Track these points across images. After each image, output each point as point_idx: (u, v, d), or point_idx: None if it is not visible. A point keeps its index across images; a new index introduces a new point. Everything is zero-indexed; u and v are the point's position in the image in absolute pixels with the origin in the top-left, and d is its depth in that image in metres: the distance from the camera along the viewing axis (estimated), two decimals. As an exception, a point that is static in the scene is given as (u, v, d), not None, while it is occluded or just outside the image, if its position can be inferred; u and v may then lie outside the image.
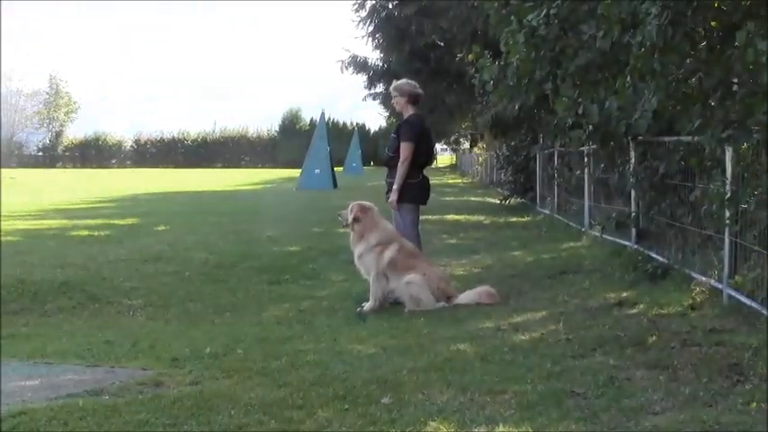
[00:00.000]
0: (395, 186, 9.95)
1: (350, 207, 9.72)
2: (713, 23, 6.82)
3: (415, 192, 10.12)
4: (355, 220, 9.56)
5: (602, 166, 13.84)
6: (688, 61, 6.54)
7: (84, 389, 6.02)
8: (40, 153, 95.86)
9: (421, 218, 10.53)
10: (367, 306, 9.32)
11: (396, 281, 9.37)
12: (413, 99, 10.20)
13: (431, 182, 10.47)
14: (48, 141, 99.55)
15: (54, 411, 5.41)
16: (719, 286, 8.50)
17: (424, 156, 10.19)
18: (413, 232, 10.04)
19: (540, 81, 7.95)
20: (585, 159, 14.35)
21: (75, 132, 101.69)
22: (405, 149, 9.91)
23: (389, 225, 9.80)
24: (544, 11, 7.55)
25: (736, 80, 6.23)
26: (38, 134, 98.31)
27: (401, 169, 9.90)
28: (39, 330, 8.14)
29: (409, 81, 10.39)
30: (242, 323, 8.58)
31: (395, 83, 10.36)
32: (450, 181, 50.46)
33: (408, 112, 10.19)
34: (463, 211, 22.71)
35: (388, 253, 9.38)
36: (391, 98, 10.61)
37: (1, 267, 11.21)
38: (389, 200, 10.06)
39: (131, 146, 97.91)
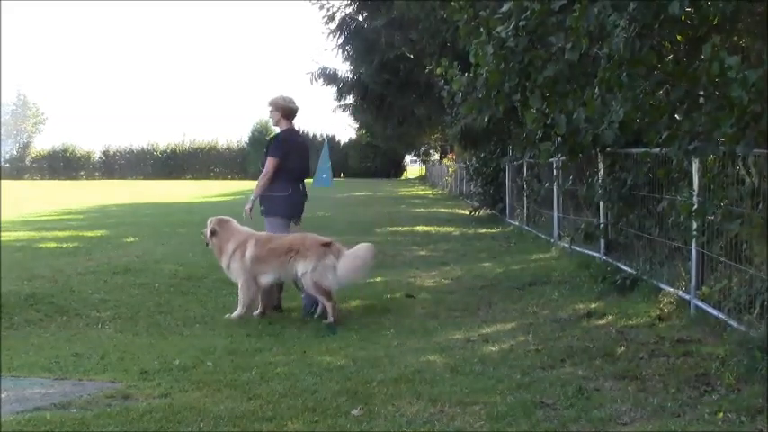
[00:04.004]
0: (251, 197, 10.14)
1: (208, 221, 9.97)
2: (679, 37, 6.89)
3: (283, 205, 10.18)
4: (212, 233, 9.81)
5: (571, 177, 13.91)
6: (655, 74, 6.60)
7: (51, 402, 5.97)
8: (7, 165, 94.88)
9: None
10: (235, 313, 9.51)
11: (272, 272, 9.50)
12: (287, 114, 10.34)
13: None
14: (15, 153, 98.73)
15: (21, 425, 5.37)
16: (687, 297, 8.57)
17: (295, 170, 10.24)
18: None
19: (509, 93, 7.97)
20: (554, 171, 14.42)
21: (42, 144, 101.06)
22: (268, 164, 10.07)
23: (244, 229, 9.92)
24: (513, 23, 7.58)
25: (702, 93, 6.29)
26: (5, 145, 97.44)
27: (260, 182, 10.06)
28: (5, 343, 8.04)
29: (285, 96, 10.47)
30: (211, 335, 8.55)
31: (271, 98, 10.41)
32: (419, 192, 50.51)
33: (282, 126, 10.36)
34: (433, 222, 22.74)
35: (248, 252, 9.52)
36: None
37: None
38: (245, 210, 10.17)
39: (100, 157, 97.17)
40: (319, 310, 9.52)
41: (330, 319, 9.16)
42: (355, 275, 9.57)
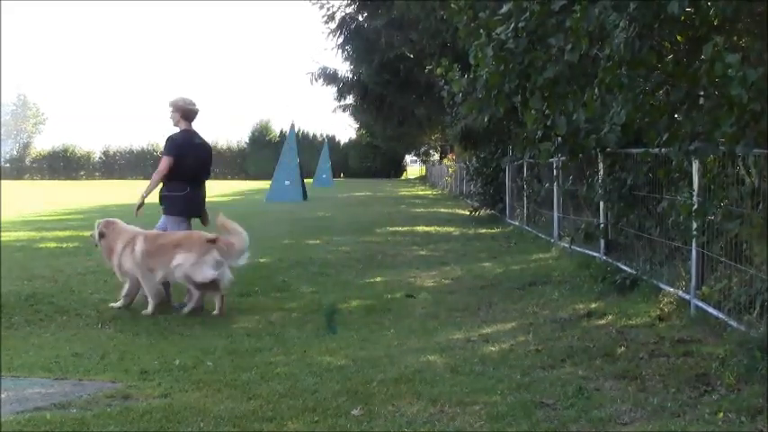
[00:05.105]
0: (144, 194, 10.34)
1: (96, 224, 10.18)
2: (679, 37, 6.89)
3: (181, 204, 10.41)
4: (101, 235, 9.99)
5: (571, 177, 13.91)
6: (655, 74, 6.60)
7: (51, 402, 5.97)
8: (7, 165, 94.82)
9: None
10: (149, 308, 9.70)
11: (161, 269, 9.71)
12: (186, 115, 10.56)
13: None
14: (15, 153, 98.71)
15: (21, 425, 5.37)
16: (687, 297, 8.57)
17: (191, 170, 10.42)
18: None
19: (509, 94, 7.97)
20: (554, 171, 14.42)
21: (42, 144, 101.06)
22: (161, 162, 10.33)
23: (132, 228, 10.12)
24: (513, 24, 7.56)
25: (702, 93, 6.29)
26: (5, 145, 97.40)
27: (154, 178, 10.37)
28: (5, 343, 8.04)
29: (185, 98, 10.70)
30: (211, 335, 8.54)
31: (172, 99, 10.67)
32: (419, 192, 50.50)
33: (182, 127, 10.58)
34: (433, 222, 22.74)
35: (138, 248, 9.71)
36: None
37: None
38: (137, 207, 10.46)
39: (100, 157, 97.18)
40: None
41: (188, 308, 9.65)
42: (240, 258, 9.89)
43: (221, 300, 9.67)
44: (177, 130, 10.56)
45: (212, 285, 9.63)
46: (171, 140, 10.46)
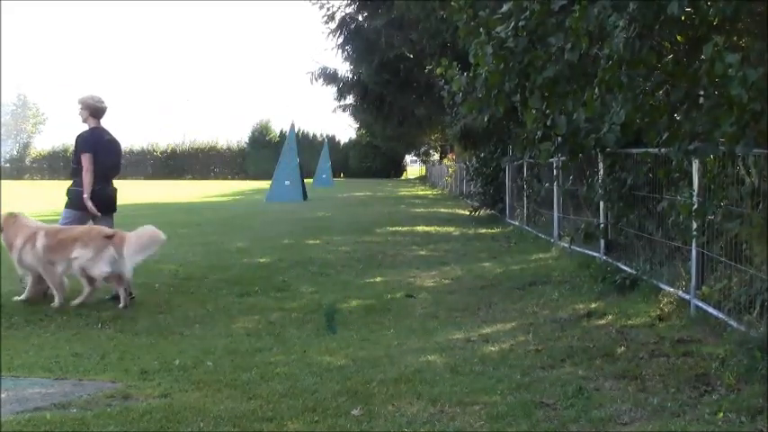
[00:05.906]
0: (85, 195, 10.33)
1: None
2: (679, 37, 6.89)
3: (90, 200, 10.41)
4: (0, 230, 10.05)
5: (571, 177, 13.90)
6: (655, 74, 6.59)
7: (51, 402, 5.96)
8: (7, 165, 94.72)
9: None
10: (56, 302, 9.83)
11: (62, 263, 9.84)
12: (94, 112, 10.65)
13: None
14: (15, 153, 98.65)
15: (21, 425, 5.37)
16: (687, 297, 8.57)
17: (101, 167, 10.48)
18: None
19: (509, 93, 7.96)
20: (554, 171, 14.41)
21: (42, 144, 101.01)
22: (84, 161, 10.38)
23: (32, 221, 10.25)
24: (513, 23, 7.56)
25: (702, 93, 6.29)
26: (5, 145, 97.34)
27: (85, 178, 10.35)
28: (5, 343, 8.03)
29: (93, 95, 10.80)
30: (211, 335, 8.54)
31: (80, 96, 10.74)
32: (419, 192, 50.47)
33: (91, 124, 10.68)
34: (433, 222, 22.74)
35: (39, 243, 9.80)
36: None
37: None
38: (89, 208, 10.39)
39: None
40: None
41: (78, 300, 9.79)
42: (143, 254, 10.03)
43: (125, 292, 9.89)
44: (86, 127, 10.66)
45: (116, 279, 9.86)
46: (82, 138, 10.56)
